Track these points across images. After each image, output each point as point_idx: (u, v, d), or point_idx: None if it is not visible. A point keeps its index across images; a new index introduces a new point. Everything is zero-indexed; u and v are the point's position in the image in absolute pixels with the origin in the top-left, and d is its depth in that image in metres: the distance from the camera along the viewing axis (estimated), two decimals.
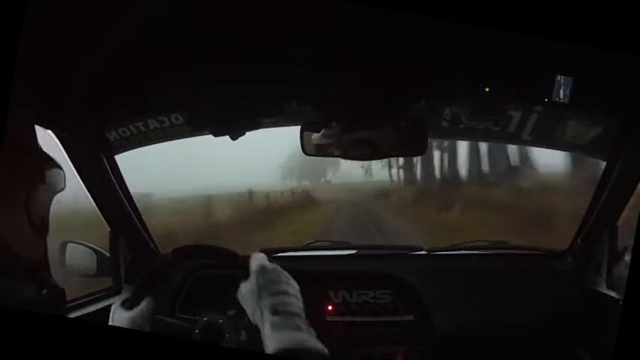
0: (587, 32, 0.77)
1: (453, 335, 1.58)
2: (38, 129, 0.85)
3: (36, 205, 0.79)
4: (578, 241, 1.66)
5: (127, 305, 1.29)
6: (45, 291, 0.79)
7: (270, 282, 1.13)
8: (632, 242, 0.79)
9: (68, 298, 1.44)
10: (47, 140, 1.24)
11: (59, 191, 0.86)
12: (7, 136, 0.75)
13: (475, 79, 1.32)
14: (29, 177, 0.78)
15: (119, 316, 1.26)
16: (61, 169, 0.88)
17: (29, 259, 0.79)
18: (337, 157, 1.51)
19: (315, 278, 1.65)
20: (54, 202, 0.85)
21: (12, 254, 0.74)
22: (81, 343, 0.76)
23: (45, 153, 0.85)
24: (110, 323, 1.27)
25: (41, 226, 0.81)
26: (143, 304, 1.29)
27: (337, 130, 1.43)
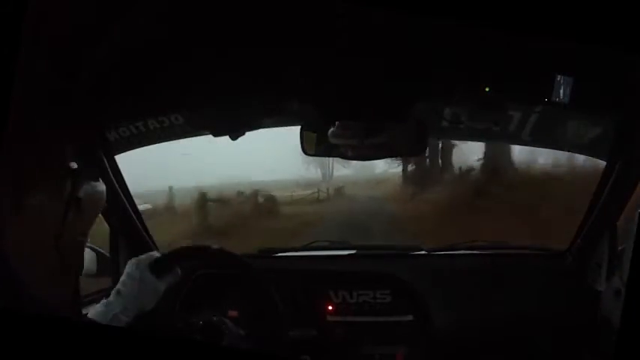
0: (587, 32, 0.77)
1: (453, 335, 1.58)
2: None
3: (71, 242, 0.68)
4: (578, 241, 1.66)
5: (156, 270, 1.26)
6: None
7: None
8: (632, 242, 0.79)
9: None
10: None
11: (98, 213, 0.75)
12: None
13: (475, 79, 1.32)
14: (57, 210, 0.66)
15: (146, 277, 1.23)
16: (99, 180, 0.76)
17: (59, 306, 0.71)
18: (340, 157, 1.51)
19: (315, 278, 1.65)
20: None
21: (38, 301, 0.67)
22: (81, 343, 0.76)
23: (78, 171, 0.74)
24: (130, 273, 1.22)
25: (75, 266, 0.71)
26: (169, 275, 1.28)
27: (359, 130, 1.42)
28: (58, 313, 0.78)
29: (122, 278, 1.24)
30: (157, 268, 1.27)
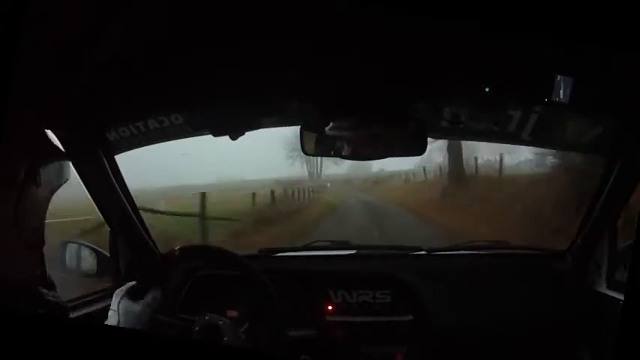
0: (588, 32, 0.77)
1: (453, 335, 1.58)
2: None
3: (28, 214, 0.70)
4: (578, 241, 1.66)
5: (133, 297, 1.31)
6: (41, 312, 0.74)
7: None
8: (632, 242, 0.79)
9: (68, 298, 1.44)
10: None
11: (59, 186, 0.78)
12: None
13: (475, 79, 1.32)
14: (17, 181, 0.69)
15: (127, 307, 1.29)
16: (61, 158, 0.79)
17: (21, 280, 0.72)
18: (339, 157, 1.51)
19: (315, 278, 1.65)
20: (52, 200, 0.77)
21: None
22: (81, 343, 0.76)
23: (38, 147, 0.77)
24: (114, 310, 1.28)
25: (35, 239, 0.73)
26: (148, 297, 1.31)
27: (354, 122, 1.42)
28: (56, 313, 0.78)
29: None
30: (135, 293, 1.33)
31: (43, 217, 0.76)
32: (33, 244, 0.74)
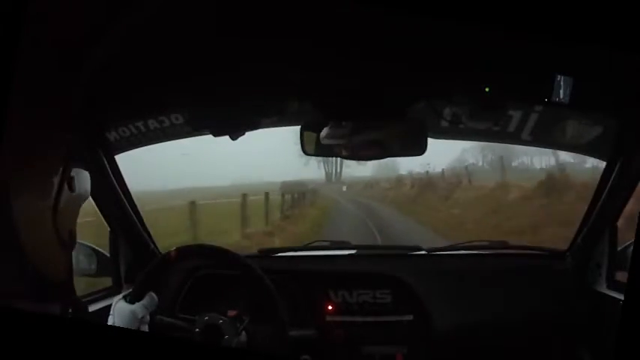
0: (588, 32, 0.77)
1: (453, 335, 1.58)
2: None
3: (64, 217, 0.72)
4: (578, 241, 1.66)
5: (129, 299, 1.34)
6: (71, 310, 0.76)
7: None
8: (632, 242, 0.79)
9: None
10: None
11: (86, 197, 0.80)
12: (20, 138, 0.69)
13: (475, 79, 1.32)
14: (55, 185, 0.71)
15: (120, 307, 1.33)
16: (87, 170, 0.82)
17: (56, 278, 0.74)
18: (341, 157, 1.51)
19: (315, 278, 1.65)
20: None
21: (39, 275, 0.70)
22: (81, 343, 0.76)
23: (72, 154, 0.79)
24: (111, 313, 1.32)
25: (69, 241, 0.75)
26: (144, 299, 1.34)
27: (347, 129, 1.43)
28: (59, 311, 0.79)
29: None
30: (132, 296, 1.38)
31: (76, 219, 0.78)
32: (67, 244, 0.76)
